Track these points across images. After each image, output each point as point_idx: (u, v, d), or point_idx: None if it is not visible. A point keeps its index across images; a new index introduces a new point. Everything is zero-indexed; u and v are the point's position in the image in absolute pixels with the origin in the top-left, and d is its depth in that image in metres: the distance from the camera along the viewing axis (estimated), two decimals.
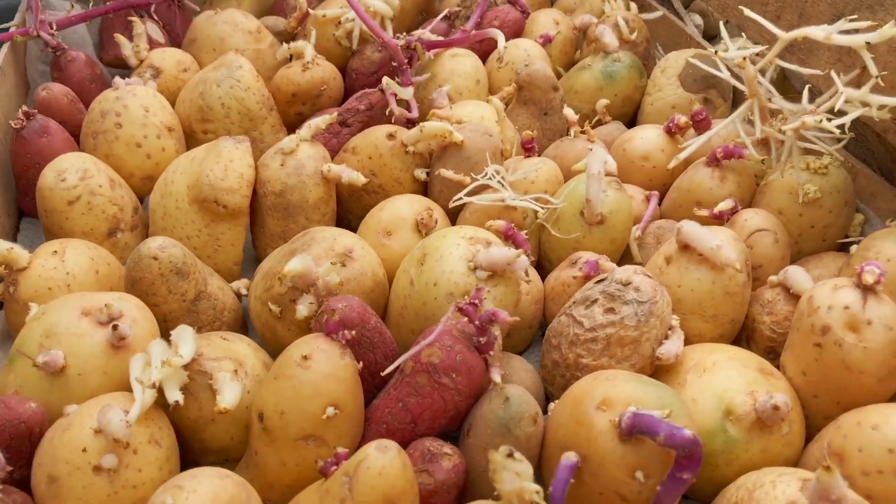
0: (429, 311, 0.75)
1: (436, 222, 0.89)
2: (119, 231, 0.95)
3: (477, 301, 0.67)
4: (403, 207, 0.90)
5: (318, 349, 0.66)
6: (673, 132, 1.03)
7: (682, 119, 1.02)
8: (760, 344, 0.80)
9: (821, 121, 0.79)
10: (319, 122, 0.95)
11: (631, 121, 1.22)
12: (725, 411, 0.67)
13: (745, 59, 0.88)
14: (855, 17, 0.87)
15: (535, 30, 1.30)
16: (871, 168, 0.97)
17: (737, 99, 1.18)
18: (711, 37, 1.61)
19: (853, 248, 0.83)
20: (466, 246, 0.76)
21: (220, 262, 0.94)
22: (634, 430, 0.59)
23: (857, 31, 0.84)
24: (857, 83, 0.87)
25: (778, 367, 0.75)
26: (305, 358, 0.65)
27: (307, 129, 0.94)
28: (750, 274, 0.80)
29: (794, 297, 0.78)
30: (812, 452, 0.67)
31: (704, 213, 0.91)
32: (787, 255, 0.88)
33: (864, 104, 0.79)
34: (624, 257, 0.94)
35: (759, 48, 0.86)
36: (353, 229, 1.00)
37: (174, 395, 0.65)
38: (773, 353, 0.79)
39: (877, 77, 0.78)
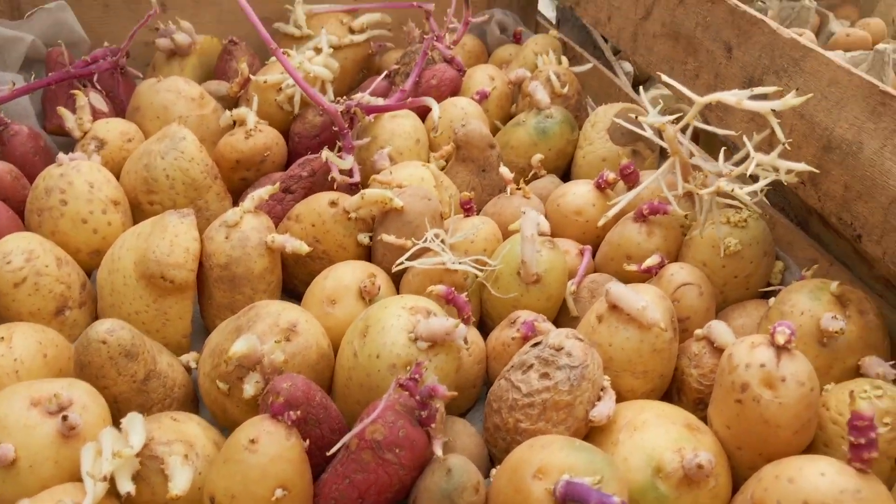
0: (373, 382, 0.78)
1: (378, 289, 0.92)
2: (67, 309, 0.96)
3: (417, 376, 0.70)
4: (346, 275, 0.93)
5: (264, 432, 0.68)
6: (602, 187, 1.08)
7: (611, 175, 1.07)
8: (689, 395, 0.84)
9: (732, 189, 0.84)
10: (262, 192, 0.98)
11: (565, 173, 1.27)
12: (655, 469, 0.71)
13: (665, 122, 0.94)
14: (761, 87, 0.93)
15: (472, 86, 1.35)
16: (789, 216, 1.03)
17: (663, 149, 1.24)
18: (644, 81, 1.68)
19: (772, 299, 0.88)
20: (407, 317, 0.80)
21: (168, 336, 0.95)
22: (568, 499, 0.63)
23: (766, 96, 0.91)
24: (769, 142, 0.94)
25: (705, 419, 0.79)
26: (253, 441, 0.68)
27: (250, 200, 0.97)
28: (676, 329, 0.85)
29: (718, 350, 0.83)
30: None
31: (633, 267, 0.95)
32: (713, 306, 0.93)
33: (774, 168, 0.85)
34: (562, 311, 0.99)
35: (672, 117, 0.92)
36: (300, 294, 1.03)
37: (125, 486, 0.67)
38: (701, 405, 0.84)
39: (784, 144, 0.84)
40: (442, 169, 1.21)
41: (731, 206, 0.97)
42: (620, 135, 1.19)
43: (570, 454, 0.66)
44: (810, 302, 0.82)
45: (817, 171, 0.85)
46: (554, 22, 1.79)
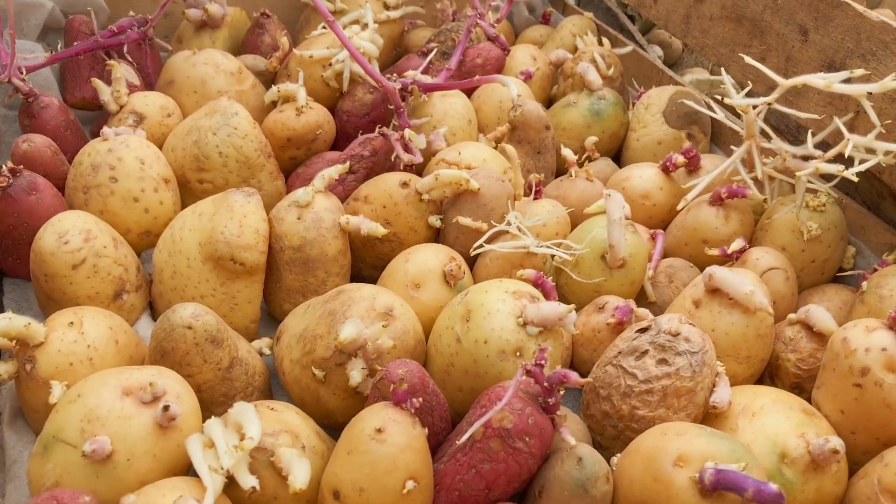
0: (480, 368, 0.75)
1: (464, 273, 0.89)
2: (125, 293, 0.90)
3: (543, 362, 0.68)
4: (430, 259, 0.89)
5: (391, 421, 0.65)
6: (669, 170, 1.07)
7: (680, 159, 1.05)
8: (786, 380, 0.84)
9: (842, 170, 0.83)
10: (332, 171, 0.93)
11: (615, 156, 1.25)
12: (780, 455, 0.70)
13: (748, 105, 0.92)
14: (846, 70, 0.92)
15: (514, 66, 1.32)
16: (857, 201, 1.03)
17: (714, 133, 1.23)
18: (670, 65, 1.67)
19: (864, 283, 0.88)
20: (513, 301, 0.77)
21: (236, 322, 0.91)
22: (719, 487, 0.61)
23: (849, 80, 0.90)
24: (849, 126, 0.93)
25: (809, 402, 0.79)
26: (379, 431, 0.64)
27: (321, 179, 0.92)
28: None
29: (816, 334, 0.82)
30: (860, 489, 0.71)
31: (715, 252, 0.94)
32: (796, 290, 0.93)
33: (870, 150, 0.84)
34: (637, 296, 0.97)
35: (764, 100, 0.91)
36: (365, 279, 0.99)
37: (249, 481, 0.63)
38: (797, 389, 0.83)
39: (880, 127, 0.83)
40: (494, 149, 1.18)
41: (808, 190, 0.97)
42: (676, 118, 1.17)
43: (710, 441, 0.65)
44: None
45: None
46: (575, 3, 1.77)
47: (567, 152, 1.09)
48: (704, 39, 1.18)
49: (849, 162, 0.88)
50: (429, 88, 1.12)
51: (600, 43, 1.37)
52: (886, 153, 0.84)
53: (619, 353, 0.77)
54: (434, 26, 1.51)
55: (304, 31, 1.36)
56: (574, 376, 0.66)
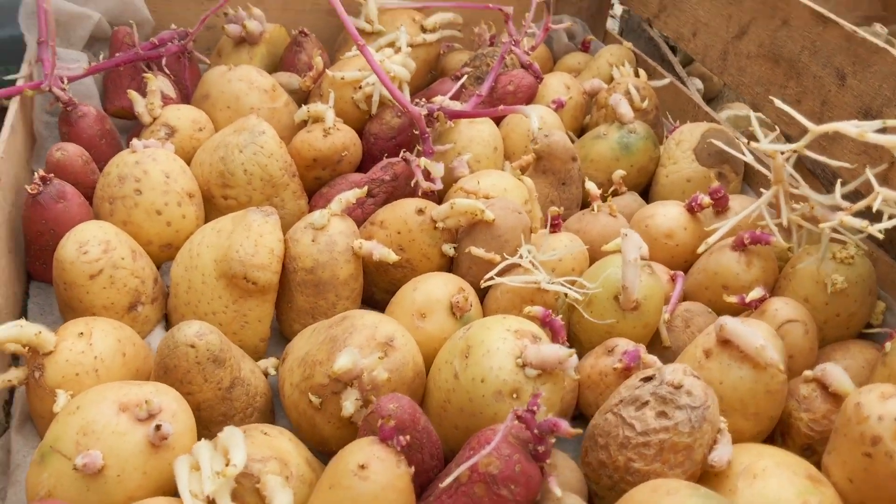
0: (475, 407, 0.75)
1: (471, 305, 0.88)
2: (140, 304, 0.92)
3: (535, 408, 0.67)
4: (437, 289, 0.89)
5: (375, 458, 0.64)
6: (695, 210, 1.04)
7: (706, 199, 1.03)
8: (797, 440, 0.81)
9: (867, 226, 0.80)
10: (350, 195, 0.94)
11: (644, 190, 1.23)
12: None
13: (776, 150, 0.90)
14: (881, 119, 0.89)
15: (547, 94, 1.31)
16: (890, 255, 1.00)
17: (747, 173, 1.20)
18: (710, 99, 1.64)
19: (887, 344, 0.84)
20: (514, 340, 0.76)
21: (245, 339, 0.91)
22: None
23: (884, 130, 0.87)
24: (882, 178, 0.90)
25: (818, 466, 0.75)
26: (362, 467, 0.64)
27: (337, 203, 0.93)
28: (787, 369, 0.81)
29: (832, 394, 0.79)
30: None
31: (734, 299, 0.92)
32: (816, 346, 0.89)
33: None
34: (653, 340, 0.95)
35: (791, 146, 0.88)
36: (377, 302, 1.00)
37: None
38: (809, 450, 0.80)
39: None
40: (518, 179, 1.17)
41: (836, 240, 0.94)
42: (707, 155, 1.15)
43: (700, 502, 0.62)
44: None
45: None
46: (618, 33, 1.75)
47: (591, 185, 1.07)
48: (741, 77, 1.15)
49: (879, 216, 0.84)
50: (454, 115, 1.11)
51: (637, 74, 1.35)
52: None
53: (621, 401, 0.75)
54: (472, 50, 1.51)
55: (342, 50, 1.38)
56: (564, 426, 0.65)
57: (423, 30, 1.37)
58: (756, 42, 1.12)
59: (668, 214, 1.05)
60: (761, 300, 0.91)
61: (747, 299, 0.90)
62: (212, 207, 1.05)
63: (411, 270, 0.97)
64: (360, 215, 1.03)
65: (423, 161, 1.00)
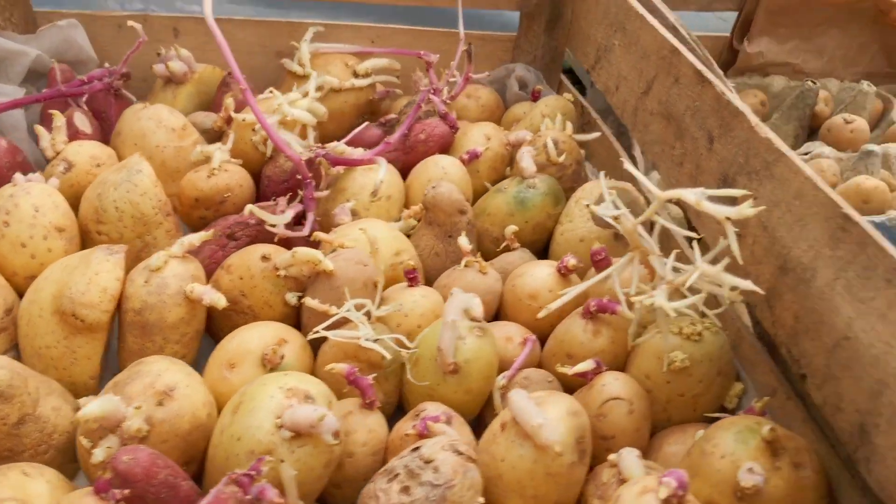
0: (230, 466, 0.72)
1: (281, 358, 0.86)
2: None
3: (254, 472, 0.64)
4: (253, 339, 0.87)
5: None
6: (563, 273, 0.99)
7: (572, 261, 0.98)
8: None
9: (691, 305, 0.75)
10: (194, 238, 0.94)
11: (543, 249, 1.18)
12: None
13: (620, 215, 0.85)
14: (726, 189, 0.83)
15: (465, 144, 1.28)
16: (759, 333, 0.92)
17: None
18: None
19: (698, 433, 0.77)
20: (280, 398, 0.73)
21: (75, 376, 0.92)
22: None
23: (734, 200, 0.81)
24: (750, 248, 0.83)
25: None
26: None
27: (179, 245, 0.93)
28: (587, 451, 0.75)
29: (625, 482, 0.73)
30: None
31: (567, 370, 0.86)
32: (645, 426, 0.83)
33: (717, 284, 0.75)
34: (489, 406, 0.90)
35: (622, 211, 0.83)
36: None
37: None
38: None
39: (737, 257, 0.73)
40: (412, 228, 1.15)
41: (688, 314, 0.87)
42: (602, 216, 1.09)
43: None
44: (735, 444, 0.71)
45: (763, 292, 0.74)
46: (589, 82, 1.71)
47: (462, 240, 1.04)
48: (646, 135, 1.10)
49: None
50: (337, 162, 1.11)
51: (573, 125, 1.30)
52: (732, 289, 0.74)
53: (384, 470, 0.71)
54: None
55: (281, 90, 1.39)
56: (272, 494, 0.62)
57: (356, 74, 1.37)
58: (657, 99, 1.06)
59: (535, 275, 1.00)
60: (595, 372, 0.85)
61: (574, 370, 0.84)
62: (90, 242, 1.07)
63: (253, 318, 0.96)
64: (220, 258, 1.03)
65: (250, 206, 0.99)
